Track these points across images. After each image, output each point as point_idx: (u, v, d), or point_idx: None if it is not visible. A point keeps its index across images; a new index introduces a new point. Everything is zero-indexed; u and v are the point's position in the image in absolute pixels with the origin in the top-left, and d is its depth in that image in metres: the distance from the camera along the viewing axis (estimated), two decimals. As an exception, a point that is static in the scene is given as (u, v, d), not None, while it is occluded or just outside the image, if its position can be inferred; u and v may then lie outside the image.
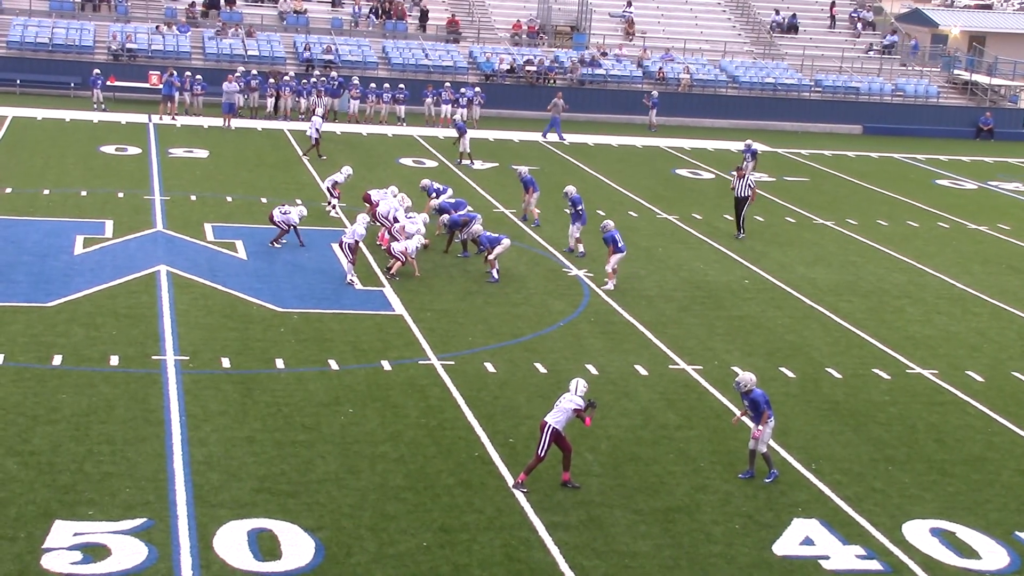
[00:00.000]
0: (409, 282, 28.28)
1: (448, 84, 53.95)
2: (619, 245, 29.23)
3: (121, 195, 35.27)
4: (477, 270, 29.67)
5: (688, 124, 57.97)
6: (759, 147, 46.67)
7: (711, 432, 21.04)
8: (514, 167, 35.95)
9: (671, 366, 24.25)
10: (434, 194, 33.69)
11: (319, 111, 47.15)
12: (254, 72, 52.17)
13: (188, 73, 51.12)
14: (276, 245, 30.46)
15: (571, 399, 18.32)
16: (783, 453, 20.35)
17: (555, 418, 18.21)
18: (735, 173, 36.43)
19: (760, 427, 19.05)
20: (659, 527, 17.48)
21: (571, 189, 32.78)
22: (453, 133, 46.61)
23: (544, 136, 51.88)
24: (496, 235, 29.90)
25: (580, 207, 32.17)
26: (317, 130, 43.09)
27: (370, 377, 22.24)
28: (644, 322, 26.86)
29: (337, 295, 27.20)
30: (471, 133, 46.57)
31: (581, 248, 32.03)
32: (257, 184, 38.22)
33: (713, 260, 32.63)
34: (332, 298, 26.91)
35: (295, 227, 30.73)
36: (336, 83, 52.87)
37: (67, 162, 39.65)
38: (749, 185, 35.51)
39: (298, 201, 34.29)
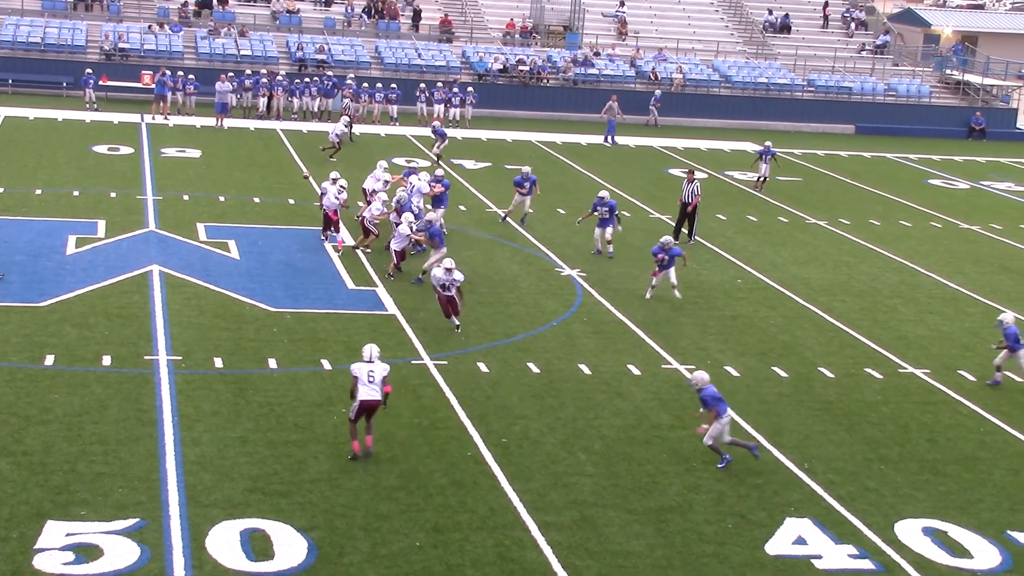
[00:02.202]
0: (402, 282, 28.26)
1: (440, 83, 53.90)
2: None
3: (113, 195, 35.23)
4: (470, 271, 29.64)
5: (681, 124, 58.00)
6: (756, 148, 46.64)
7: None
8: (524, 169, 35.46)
9: (664, 366, 24.27)
10: (410, 175, 34.06)
11: (344, 117, 46.87)
12: (248, 72, 52.15)
13: (181, 73, 51.07)
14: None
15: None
16: (775, 453, 20.38)
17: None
18: (685, 176, 35.60)
19: (706, 425, 19.46)
20: (652, 527, 17.49)
21: (605, 194, 32.66)
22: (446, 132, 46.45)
23: (608, 141, 51.86)
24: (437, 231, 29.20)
25: (616, 212, 32.31)
26: (338, 135, 43.13)
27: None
28: (637, 322, 26.87)
29: (330, 295, 27.18)
30: (464, 132, 46.54)
31: (611, 249, 32.13)
32: (250, 184, 38.19)
33: (706, 260, 32.65)
34: (325, 298, 26.90)
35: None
36: (330, 83, 52.82)
37: (59, 162, 39.60)
38: (694, 192, 34.51)
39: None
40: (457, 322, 24.95)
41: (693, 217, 34.75)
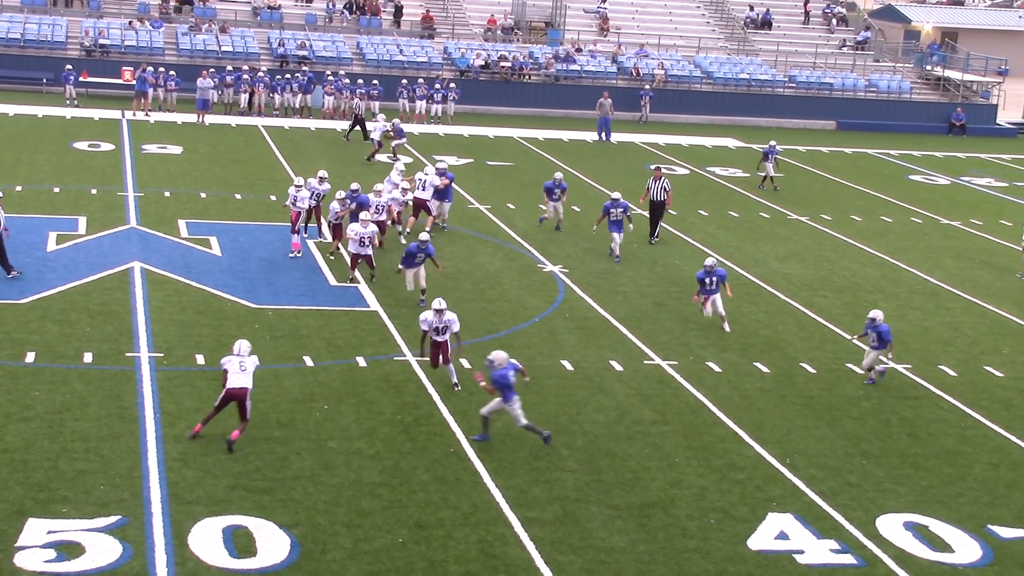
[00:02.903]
0: (384, 278, 28.23)
1: (421, 80, 53.85)
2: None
3: (94, 191, 35.13)
4: (453, 267, 29.65)
5: (663, 120, 58.07)
6: (738, 145, 46.71)
7: (686, 427, 21.10)
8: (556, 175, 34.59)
9: (646, 361, 24.30)
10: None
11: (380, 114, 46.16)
12: (229, 68, 52.07)
13: (162, 69, 50.91)
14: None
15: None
16: (757, 448, 20.43)
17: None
18: (653, 176, 34.68)
19: (485, 384, 19.89)
20: (635, 522, 17.52)
21: (618, 195, 31.86)
22: (428, 129, 46.60)
23: (602, 138, 51.83)
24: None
25: (628, 212, 31.85)
26: (381, 132, 42.65)
27: (345, 373, 22.21)
28: (619, 318, 26.90)
29: (312, 291, 27.15)
30: (446, 129, 46.30)
31: (618, 252, 31.49)
32: (231, 180, 38.11)
33: (688, 256, 32.68)
34: (307, 294, 26.87)
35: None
36: (307, 79, 52.68)
37: (39, 158, 39.45)
38: (665, 188, 34.08)
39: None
40: (455, 380, 22.08)
41: (661, 217, 34.28)
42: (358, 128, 47.21)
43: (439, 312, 21.71)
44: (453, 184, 33.83)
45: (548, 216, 34.39)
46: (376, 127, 43.02)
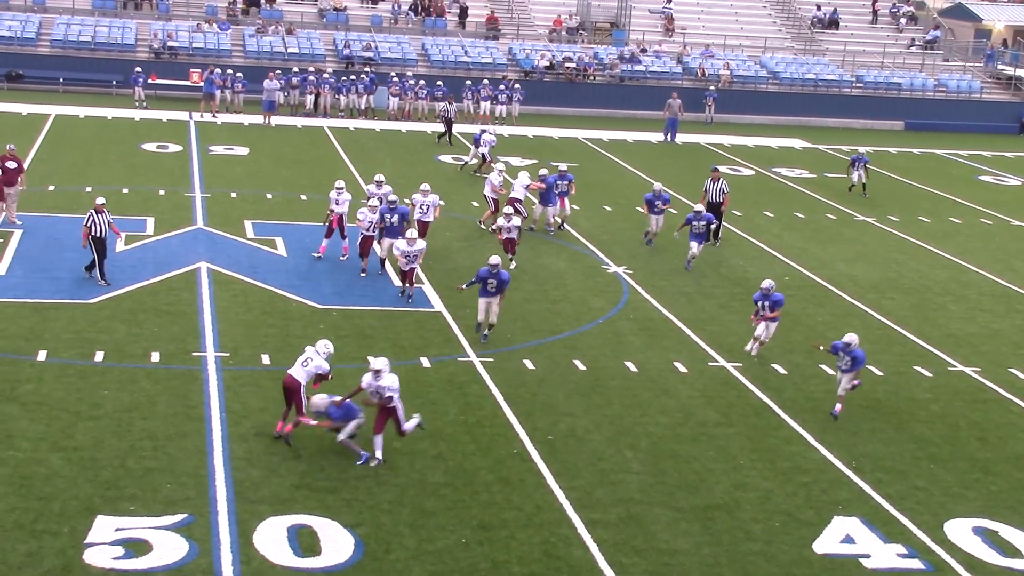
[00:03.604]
0: (448, 279, 28.26)
1: (486, 81, 53.88)
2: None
3: (162, 192, 35.48)
4: (516, 268, 29.65)
5: (728, 120, 57.76)
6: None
7: (750, 429, 20.96)
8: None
9: (711, 363, 24.16)
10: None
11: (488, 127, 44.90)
12: (295, 69, 52.43)
13: (229, 71, 51.36)
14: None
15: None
16: (823, 451, 20.25)
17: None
18: (710, 177, 34.23)
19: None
20: (699, 524, 17.42)
21: (701, 208, 30.97)
22: (495, 131, 46.67)
23: (667, 139, 51.84)
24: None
25: (712, 225, 31.57)
26: (490, 146, 41.57)
27: (409, 374, 22.25)
28: (683, 319, 26.77)
29: (376, 292, 27.24)
30: (511, 129, 46.27)
31: (690, 264, 30.69)
32: (297, 181, 38.34)
33: (753, 257, 32.48)
34: (371, 295, 26.96)
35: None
36: (368, 79, 52.86)
37: (109, 160, 39.91)
38: (723, 190, 33.73)
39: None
40: (379, 456, 18.60)
41: (720, 218, 33.75)
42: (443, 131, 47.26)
43: (376, 373, 18.58)
44: (557, 187, 33.54)
45: (653, 230, 32.87)
46: (486, 140, 41.47)
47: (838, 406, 21.78)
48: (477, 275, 24.25)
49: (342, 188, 29.96)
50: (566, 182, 33.67)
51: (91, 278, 26.42)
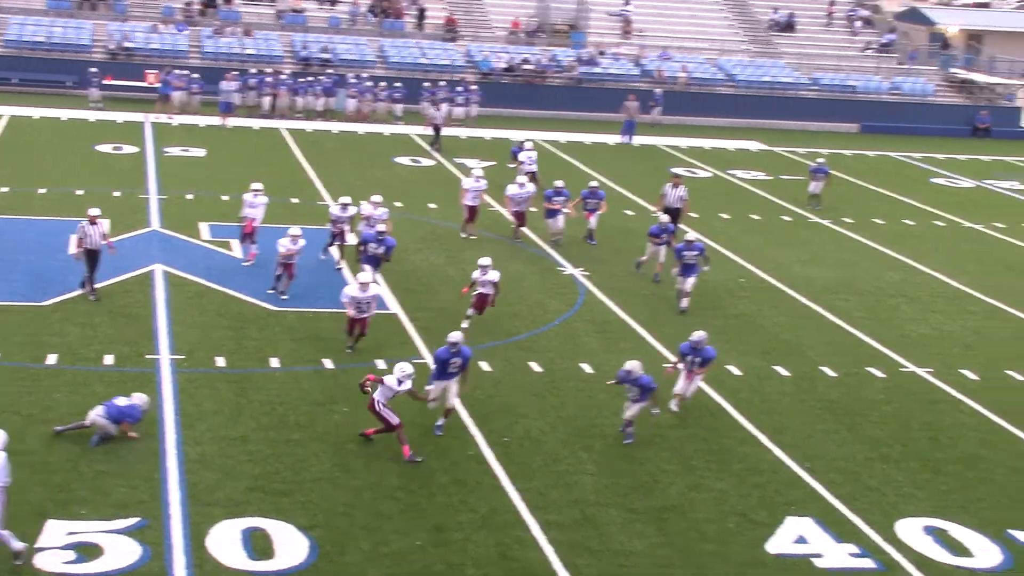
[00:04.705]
0: (404, 281, 28.26)
1: (443, 83, 53.81)
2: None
3: (117, 194, 35.27)
4: (472, 270, 29.65)
5: (685, 123, 57.95)
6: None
7: (705, 431, 21.07)
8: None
9: (666, 365, 24.23)
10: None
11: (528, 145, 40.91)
12: (253, 70, 52.25)
13: (185, 72, 51.10)
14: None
15: (389, 381, 19.14)
16: (777, 452, 20.39)
17: (378, 394, 19.12)
18: (671, 183, 33.87)
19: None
20: (653, 526, 17.50)
21: (693, 236, 28.34)
22: (450, 131, 46.62)
23: (625, 140, 51.92)
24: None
25: (705, 252, 28.11)
26: (533, 161, 39.48)
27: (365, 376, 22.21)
28: (640, 321, 26.87)
29: (332, 294, 27.12)
30: (468, 131, 46.25)
31: (685, 303, 27.66)
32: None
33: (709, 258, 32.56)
34: (327, 297, 26.88)
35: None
36: (330, 81, 52.75)
37: (63, 161, 39.63)
38: (682, 197, 33.49)
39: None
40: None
41: (677, 224, 33.24)
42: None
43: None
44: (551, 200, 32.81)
45: (646, 260, 30.56)
46: (529, 156, 39.17)
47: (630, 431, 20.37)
48: (435, 357, 20.29)
49: (259, 191, 29.41)
50: (597, 199, 33.06)
51: (85, 292, 25.75)
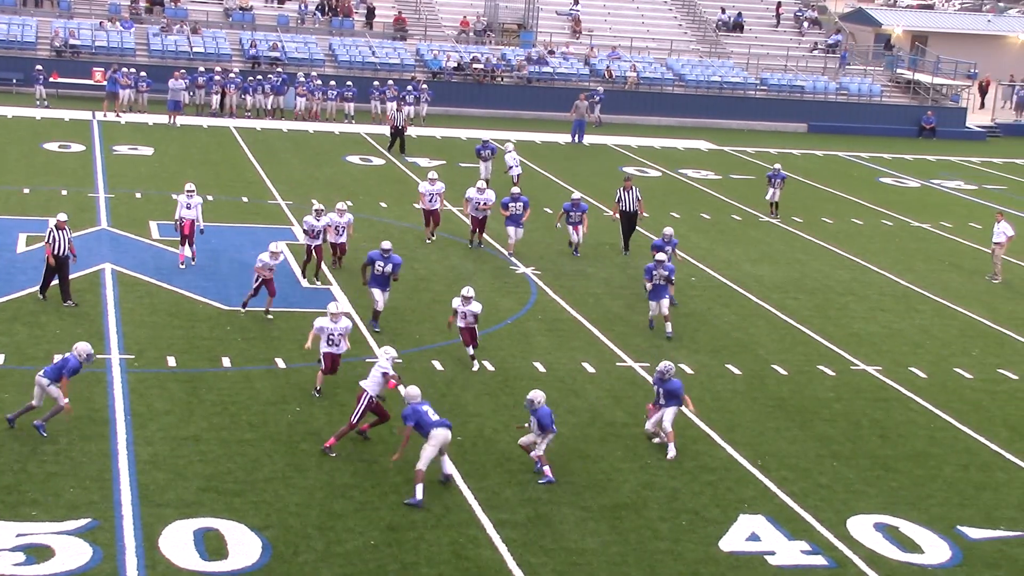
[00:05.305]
0: (357, 280, 28.15)
1: (391, 81, 53.62)
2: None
3: (65, 192, 34.95)
4: (425, 269, 29.64)
5: (635, 122, 58.13)
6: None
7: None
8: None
9: (618, 363, 24.34)
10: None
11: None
12: (201, 69, 51.91)
13: (133, 70, 50.69)
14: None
15: (380, 365, 19.40)
16: (729, 450, 20.49)
17: (371, 386, 19.31)
18: (622, 186, 33.67)
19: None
20: (606, 524, 17.55)
21: (663, 256, 26.59)
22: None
23: (575, 140, 51.93)
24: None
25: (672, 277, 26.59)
26: (517, 161, 39.34)
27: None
28: (591, 320, 26.93)
29: (284, 293, 27.02)
30: (418, 130, 46.11)
31: (669, 328, 26.27)
32: (203, 182, 37.83)
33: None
34: (279, 296, 26.73)
35: None
36: (280, 80, 52.51)
37: (9, 159, 39.22)
38: (637, 198, 33.40)
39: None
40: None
41: (634, 227, 33.63)
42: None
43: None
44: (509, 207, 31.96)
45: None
46: (514, 158, 39.29)
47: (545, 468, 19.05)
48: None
49: (192, 191, 28.66)
50: (580, 212, 32.26)
51: (45, 299, 25.19)
